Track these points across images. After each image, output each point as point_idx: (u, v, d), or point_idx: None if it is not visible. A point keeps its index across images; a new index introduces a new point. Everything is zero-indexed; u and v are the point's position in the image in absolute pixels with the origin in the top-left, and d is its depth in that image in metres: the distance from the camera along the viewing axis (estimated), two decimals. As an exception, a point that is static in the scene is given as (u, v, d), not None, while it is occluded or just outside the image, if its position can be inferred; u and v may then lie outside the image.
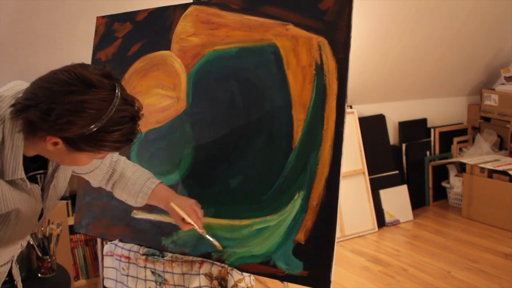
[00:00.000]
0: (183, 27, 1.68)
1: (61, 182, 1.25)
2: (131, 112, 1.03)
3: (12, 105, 1.00)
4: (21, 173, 1.05)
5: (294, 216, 1.41)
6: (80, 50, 2.35)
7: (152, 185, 1.46)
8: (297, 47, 1.46)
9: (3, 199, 1.04)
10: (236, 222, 1.51)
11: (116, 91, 1.00)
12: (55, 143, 1.01)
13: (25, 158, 1.08)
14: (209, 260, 1.52)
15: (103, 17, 1.93)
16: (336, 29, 1.39)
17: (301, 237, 1.39)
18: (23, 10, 2.21)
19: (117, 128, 1.00)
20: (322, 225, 1.36)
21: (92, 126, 0.97)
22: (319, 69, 1.41)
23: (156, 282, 1.59)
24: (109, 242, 1.74)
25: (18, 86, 1.08)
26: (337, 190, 1.35)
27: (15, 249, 1.25)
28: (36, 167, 1.16)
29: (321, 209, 1.37)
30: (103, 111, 0.97)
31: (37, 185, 1.15)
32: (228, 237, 1.51)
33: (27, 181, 1.10)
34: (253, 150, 1.51)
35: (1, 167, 1.03)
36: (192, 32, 1.66)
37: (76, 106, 0.95)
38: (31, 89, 1.00)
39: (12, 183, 1.07)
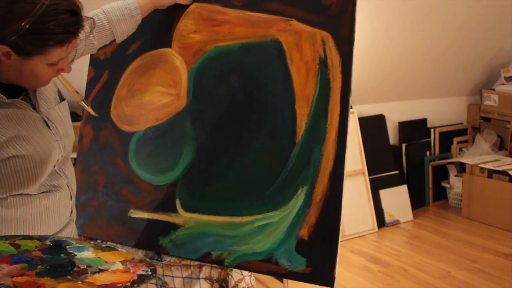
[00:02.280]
0: (185, 24, 1.67)
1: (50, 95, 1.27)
2: (66, 6, 1.06)
3: None
4: None
5: (297, 211, 1.40)
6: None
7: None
8: (300, 42, 1.44)
9: None
10: (237, 219, 1.49)
11: None
12: (7, 54, 1.05)
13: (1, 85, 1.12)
14: (207, 264, 1.50)
15: (103, 13, 1.91)
16: (339, 23, 1.38)
17: (304, 233, 1.38)
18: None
19: (52, 19, 1.04)
20: (326, 220, 1.35)
21: (26, 20, 1.01)
22: (323, 63, 1.40)
23: (156, 285, 1.57)
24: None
25: None
26: (342, 184, 1.34)
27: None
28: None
29: (325, 204, 1.36)
30: (34, 4, 1.02)
31: (20, 99, 1.16)
32: (229, 235, 1.49)
33: (2, 95, 1.10)
34: (256, 145, 1.49)
35: None
36: (194, 30, 1.64)
37: (4, 3, 1.01)
38: None
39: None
